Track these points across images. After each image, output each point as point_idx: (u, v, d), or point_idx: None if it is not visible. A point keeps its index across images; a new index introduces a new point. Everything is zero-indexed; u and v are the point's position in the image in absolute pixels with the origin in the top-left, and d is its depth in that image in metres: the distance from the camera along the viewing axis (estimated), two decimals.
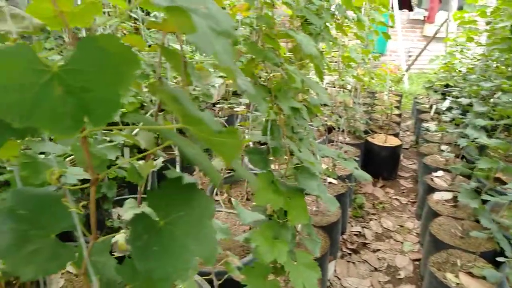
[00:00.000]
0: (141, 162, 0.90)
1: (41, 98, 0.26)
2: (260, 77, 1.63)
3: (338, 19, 1.99)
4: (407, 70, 6.87)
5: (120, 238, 1.04)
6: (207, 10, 0.35)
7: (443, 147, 3.14)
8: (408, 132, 4.74)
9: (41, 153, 0.66)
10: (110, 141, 1.10)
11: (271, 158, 1.13)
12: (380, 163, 3.32)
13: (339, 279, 2.13)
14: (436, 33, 6.80)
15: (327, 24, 1.64)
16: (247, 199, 2.21)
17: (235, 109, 2.26)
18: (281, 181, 1.09)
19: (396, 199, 3.10)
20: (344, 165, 1.73)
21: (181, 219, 0.46)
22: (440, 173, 2.71)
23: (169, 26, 0.70)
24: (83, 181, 0.64)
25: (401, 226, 2.72)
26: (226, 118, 2.94)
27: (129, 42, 0.82)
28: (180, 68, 0.72)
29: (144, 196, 1.69)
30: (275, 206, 1.01)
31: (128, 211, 0.97)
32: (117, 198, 1.88)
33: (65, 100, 0.27)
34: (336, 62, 3.13)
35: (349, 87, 3.37)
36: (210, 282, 1.23)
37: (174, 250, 0.44)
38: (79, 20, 0.54)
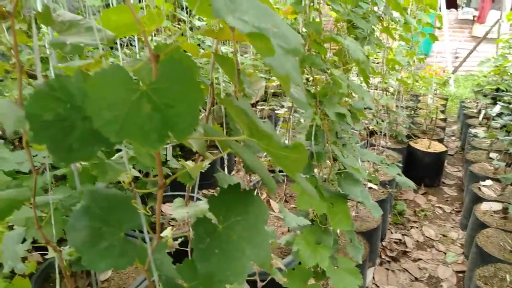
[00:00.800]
0: (189, 163, 0.94)
1: (132, 114, 0.29)
2: (306, 81, 1.63)
3: (383, 21, 1.95)
4: (453, 72, 6.57)
5: (167, 234, 1.10)
6: (278, 29, 0.36)
7: (492, 154, 2.99)
8: (453, 138, 4.54)
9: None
10: None
11: (314, 163, 1.13)
12: (423, 169, 3.21)
13: (378, 286, 2.09)
14: (486, 34, 6.45)
15: (374, 27, 1.61)
16: (285, 201, 2.22)
17: (276, 111, 2.28)
18: (324, 186, 1.09)
19: (439, 207, 2.98)
20: (387, 171, 1.70)
21: (238, 224, 0.49)
22: (488, 182, 2.58)
23: (224, 35, 0.73)
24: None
25: (444, 235, 2.61)
26: (265, 120, 2.96)
27: (184, 49, 0.86)
28: (234, 75, 0.75)
29: (192, 195, 1.74)
30: (318, 211, 1.01)
31: (177, 209, 1.01)
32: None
33: (152, 116, 0.30)
34: (378, 63, 3.06)
35: (391, 89, 3.29)
36: (250, 282, 1.25)
37: (233, 254, 0.46)
38: (145, 28, 0.58)
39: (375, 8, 1.67)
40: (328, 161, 1.16)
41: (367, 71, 1.24)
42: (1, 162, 0.87)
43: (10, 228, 0.91)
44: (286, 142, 1.85)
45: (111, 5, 2.60)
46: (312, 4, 1.22)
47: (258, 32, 0.28)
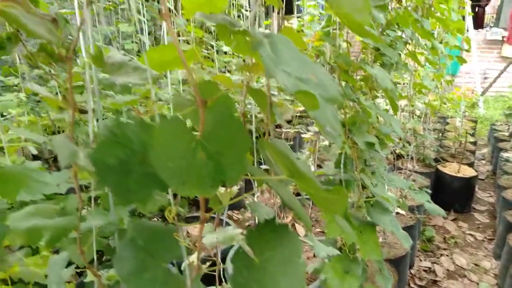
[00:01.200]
0: (220, 188, 0.96)
1: (190, 163, 0.32)
2: None
3: (410, 45, 1.95)
4: (482, 94, 6.42)
5: (193, 259, 1.12)
6: (317, 79, 0.39)
7: None
8: (483, 161, 4.40)
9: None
10: None
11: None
12: (452, 194, 3.12)
13: None
14: None
15: (400, 53, 1.62)
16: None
17: (302, 135, 2.29)
18: (353, 214, 1.09)
19: (470, 234, 2.87)
20: (416, 198, 1.67)
21: (274, 258, 0.50)
22: None
23: (257, 70, 0.76)
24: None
25: (477, 265, 2.51)
26: (291, 143, 2.97)
27: (218, 80, 0.90)
28: (266, 107, 0.78)
29: (221, 219, 1.76)
30: (347, 240, 1.01)
31: (206, 235, 1.03)
32: (188, 216, 1.99)
33: (206, 164, 0.32)
34: (404, 84, 3.03)
35: (418, 112, 3.25)
36: None
37: (269, 287, 0.48)
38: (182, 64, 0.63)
39: (402, 34, 1.68)
40: (357, 189, 1.16)
41: (395, 98, 1.24)
42: (43, 186, 0.92)
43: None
44: (312, 167, 1.86)
45: (144, 31, 2.72)
46: (338, 30, 1.25)
47: (305, 91, 0.30)
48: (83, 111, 0.62)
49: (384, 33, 1.47)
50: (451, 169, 3.20)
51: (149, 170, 0.36)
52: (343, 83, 1.06)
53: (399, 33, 1.61)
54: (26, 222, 0.57)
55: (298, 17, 4.22)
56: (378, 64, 1.52)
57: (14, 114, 2.21)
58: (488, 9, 9.20)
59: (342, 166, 1.11)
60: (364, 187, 1.19)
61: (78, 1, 0.70)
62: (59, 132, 2.85)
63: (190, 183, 0.31)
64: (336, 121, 0.37)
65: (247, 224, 2.68)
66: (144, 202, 0.34)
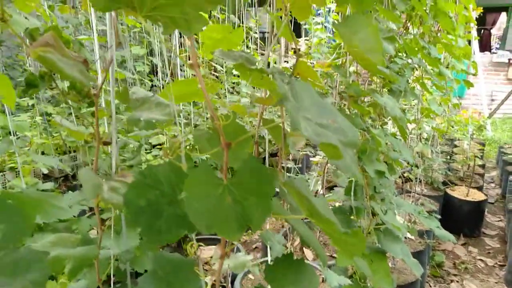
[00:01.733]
0: None
1: (217, 206, 0.34)
2: None
3: (417, 70, 1.98)
4: (490, 116, 6.41)
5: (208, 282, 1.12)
6: (336, 124, 0.41)
7: None
8: (492, 184, 4.36)
9: None
10: None
11: (353, 218, 1.14)
12: (462, 218, 3.08)
13: None
14: None
15: (409, 80, 1.65)
16: None
17: (311, 158, 2.31)
18: None
19: (480, 259, 2.83)
20: (425, 224, 1.67)
21: None
22: None
23: (272, 101, 0.79)
24: None
25: None
26: (300, 165, 2.98)
27: (234, 110, 0.93)
28: (280, 138, 0.80)
29: (233, 243, 1.76)
30: (358, 269, 1.01)
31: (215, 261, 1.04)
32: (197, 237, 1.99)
33: (232, 208, 0.34)
34: (411, 105, 3.05)
35: (425, 135, 3.25)
36: None
37: None
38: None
39: (409, 60, 1.71)
40: (367, 216, 1.17)
41: (405, 126, 1.26)
42: (59, 211, 0.94)
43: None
44: (321, 190, 1.86)
45: (157, 54, 2.80)
46: (347, 62, 1.28)
47: (328, 142, 0.32)
48: (107, 143, 0.65)
49: (392, 60, 1.50)
50: (460, 192, 3.17)
51: (177, 211, 0.38)
52: (353, 111, 1.08)
53: (407, 59, 1.65)
54: (50, 252, 0.59)
55: (305, 39, 4.31)
56: (387, 90, 1.55)
57: (28, 136, 2.26)
58: (494, 30, 9.29)
59: (352, 193, 1.12)
60: (374, 214, 1.19)
61: (96, 29, 0.73)
62: (69, 152, 2.89)
63: (218, 227, 0.33)
64: (355, 166, 0.39)
65: (254, 246, 2.67)
66: (173, 241, 0.36)
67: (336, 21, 3.59)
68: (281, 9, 0.85)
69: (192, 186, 0.33)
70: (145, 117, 0.59)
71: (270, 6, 0.87)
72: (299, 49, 0.69)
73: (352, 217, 1.15)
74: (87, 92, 0.57)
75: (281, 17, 0.84)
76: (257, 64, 0.72)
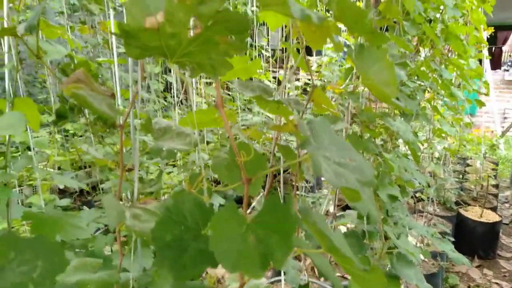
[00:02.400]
0: None
1: (241, 246, 0.36)
2: None
3: (428, 92, 1.99)
4: (503, 135, 6.33)
5: None
6: (354, 162, 0.43)
7: None
8: (507, 205, 4.28)
9: None
10: None
11: (366, 242, 1.14)
12: (476, 240, 3.03)
13: None
14: None
15: (421, 103, 1.66)
16: None
17: (322, 178, 2.31)
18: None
19: (496, 283, 2.76)
20: (439, 246, 1.65)
21: None
22: None
23: (287, 129, 0.81)
24: None
25: None
26: (311, 184, 2.99)
27: (251, 135, 0.95)
28: (296, 165, 0.82)
29: None
30: None
31: (232, 283, 1.05)
32: None
33: (256, 247, 0.36)
34: (421, 125, 3.05)
35: (437, 154, 3.23)
36: None
37: None
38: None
39: (421, 82, 1.72)
40: (379, 239, 1.17)
41: (417, 150, 1.27)
42: (78, 231, 0.97)
43: None
44: (332, 209, 1.86)
45: (172, 73, 2.86)
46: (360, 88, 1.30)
47: (349, 187, 0.34)
48: (130, 170, 0.67)
49: (404, 83, 1.52)
50: (473, 213, 3.12)
51: (201, 246, 0.40)
52: (365, 135, 1.10)
53: (419, 81, 1.66)
54: (73, 277, 0.61)
55: (317, 57, 4.35)
56: (399, 112, 1.56)
57: (47, 152, 2.31)
58: (505, 48, 9.25)
59: (365, 217, 1.12)
60: (387, 237, 1.19)
61: (116, 50, 0.77)
62: (85, 167, 2.95)
63: (241, 265, 0.35)
64: (373, 205, 0.40)
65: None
66: (197, 277, 0.38)
67: (346, 41, 3.63)
68: (297, 38, 0.88)
69: (218, 226, 0.35)
70: (167, 147, 0.62)
71: (285, 38, 0.90)
72: (314, 81, 0.72)
73: (365, 240, 1.15)
74: (113, 123, 0.60)
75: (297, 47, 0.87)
76: (273, 94, 0.75)
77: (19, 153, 2.60)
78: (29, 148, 2.37)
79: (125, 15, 0.39)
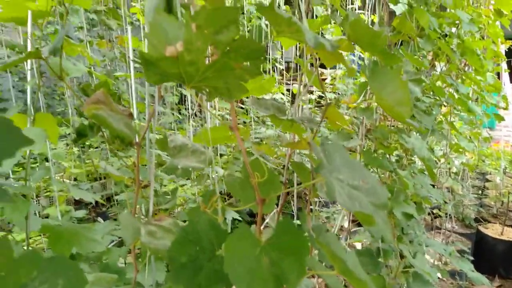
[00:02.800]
0: None
1: (255, 268, 0.36)
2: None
3: (445, 106, 1.97)
4: None
5: None
6: (367, 185, 0.43)
7: None
8: None
9: None
10: None
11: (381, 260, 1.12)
12: (496, 258, 2.93)
13: None
14: None
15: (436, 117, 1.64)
16: None
17: None
18: (392, 286, 1.07)
19: None
20: (457, 265, 1.61)
21: None
22: None
23: (301, 146, 0.82)
24: None
25: None
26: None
27: (264, 151, 0.96)
28: (309, 181, 0.82)
29: None
30: None
31: None
32: None
33: (269, 269, 0.36)
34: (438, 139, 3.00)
35: (454, 169, 3.17)
36: None
37: None
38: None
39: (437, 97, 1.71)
40: (395, 257, 1.15)
41: (433, 166, 1.25)
42: (93, 244, 0.98)
43: None
44: (347, 225, 1.84)
45: (189, 95, 2.91)
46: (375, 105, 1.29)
47: (363, 211, 0.34)
48: (146, 186, 0.68)
49: (419, 99, 1.51)
50: (493, 231, 3.04)
51: (216, 267, 0.40)
52: (380, 155, 1.09)
53: (435, 96, 1.64)
54: None
55: (331, 70, 4.36)
56: (414, 129, 1.54)
57: (64, 164, 2.36)
58: None
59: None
60: (402, 256, 1.17)
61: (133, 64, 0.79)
62: (100, 178, 3.00)
63: (255, 286, 0.35)
64: (388, 228, 0.40)
65: None
66: None
67: (361, 54, 3.63)
68: (311, 54, 0.89)
69: (232, 247, 0.36)
70: (182, 165, 0.63)
71: (300, 55, 0.91)
72: (328, 99, 0.72)
73: (380, 258, 1.14)
74: (130, 142, 0.62)
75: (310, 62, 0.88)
76: (287, 112, 0.76)
77: (37, 163, 2.66)
78: (47, 159, 2.43)
79: (146, 44, 0.41)
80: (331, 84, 4.17)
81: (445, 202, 2.68)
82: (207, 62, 0.38)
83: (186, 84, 0.40)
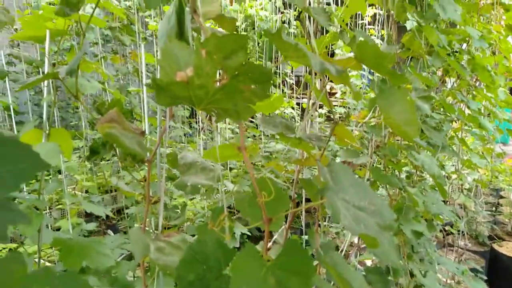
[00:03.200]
0: None
1: (261, 287, 0.36)
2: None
3: (455, 122, 1.96)
4: None
5: None
6: (373, 206, 0.43)
7: None
8: None
9: None
10: None
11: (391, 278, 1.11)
12: (511, 278, 2.85)
13: None
14: None
15: (447, 134, 1.63)
16: None
17: None
18: None
19: None
20: (471, 285, 1.57)
21: None
22: None
23: (309, 163, 0.82)
24: None
25: None
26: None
27: (274, 167, 0.97)
28: (317, 198, 0.82)
29: None
30: None
31: None
32: None
33: None
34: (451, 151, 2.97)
35: (467, 185, 3.12)
36: None
37: None
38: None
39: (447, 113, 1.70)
40: (405, 276, 1.13)
41: (443, 184, 1.24)
42: (104, 258, 0.99)
43: None
44: (357, 241, 1.82)
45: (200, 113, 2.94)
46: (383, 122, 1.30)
47: (367, 234, 0.35)
48: (156, 202, 0.70)
49: (429, 116, 1.50)
50: (508, 249, 2.96)
51: (223, 286, 0.41)
52: (389, 171, 1.09)
53: (445, 112, 1.64)
54: None
55: (341, 84, 4.37)
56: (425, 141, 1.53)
57: (76, 177, 2.40)
58: None
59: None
60: (412, 274, 1.15)
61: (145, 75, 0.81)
62: (111, 191, 3.03)
63: None
64: (393, 251, 0.40)
65: None
66: None
67: (371, 70, 3.64)
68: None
69: (238, 267, 0.36)
70: (192, 182, 0.64)
71: (309, 71, 0.93)
72: (338, 113, 0.73)
73: (389, 277, 1.12)
74: (142, 159, 0.63)
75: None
76: (296, 130, 0.77)
77: (50, 176, 2.71)
78: (59, 172, 2.47)
79: (158, 70, 0.42)
80: (341, 98, 4.18)
81: (459, 218, 2.63)
82: (217, 84, 0.39)
83: (196, 107, 0.41)
